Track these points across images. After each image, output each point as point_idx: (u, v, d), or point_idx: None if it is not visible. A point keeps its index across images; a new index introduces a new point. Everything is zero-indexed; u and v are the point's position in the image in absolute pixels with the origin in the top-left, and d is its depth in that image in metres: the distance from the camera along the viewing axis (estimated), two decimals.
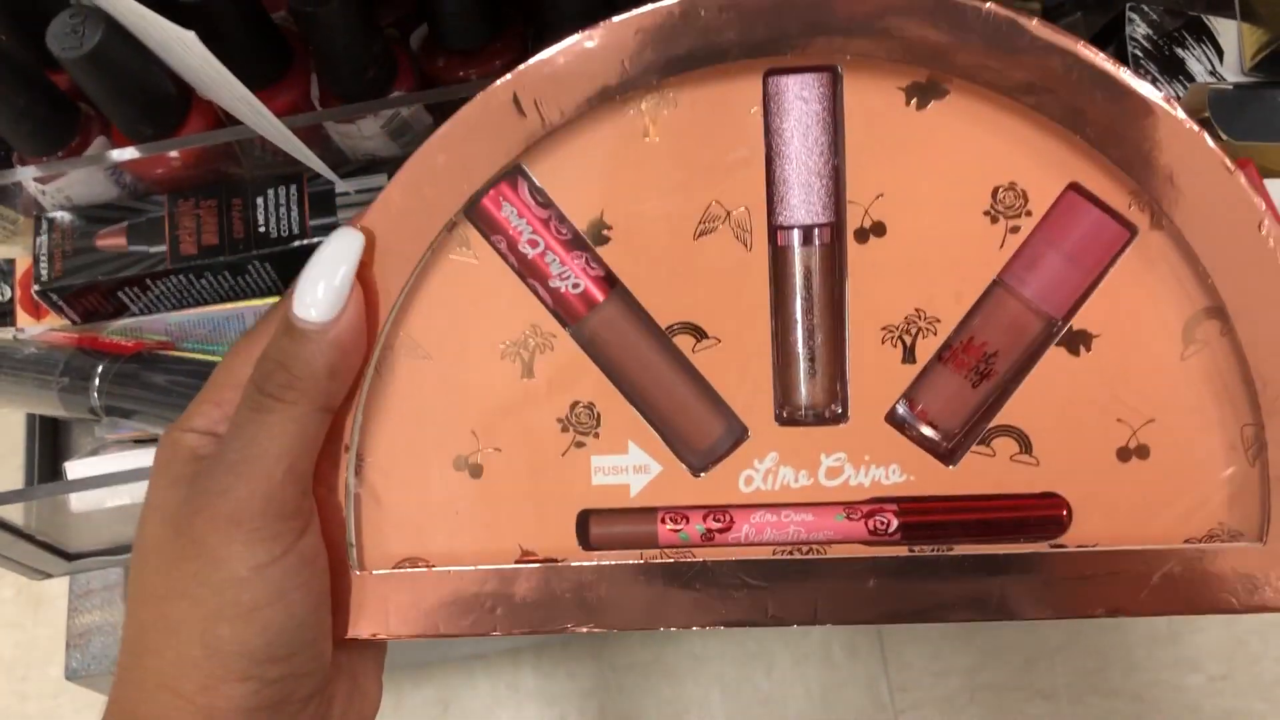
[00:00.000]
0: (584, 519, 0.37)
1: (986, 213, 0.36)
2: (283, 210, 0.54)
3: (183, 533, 0.33)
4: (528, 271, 0.37)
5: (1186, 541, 0.35)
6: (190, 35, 0.41)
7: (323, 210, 0.55)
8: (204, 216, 0.54)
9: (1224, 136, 0.48)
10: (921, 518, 0.37)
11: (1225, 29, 0.55)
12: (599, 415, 0.37)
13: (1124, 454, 0.36)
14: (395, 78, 0.54)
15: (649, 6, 0.34)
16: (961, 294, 0.36)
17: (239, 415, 0.34)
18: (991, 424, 0.36)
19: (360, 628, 0.38)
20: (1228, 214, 0.34)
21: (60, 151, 0.53)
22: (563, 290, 0.37)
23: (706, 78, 0.35)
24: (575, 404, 0.37)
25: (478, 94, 0.35)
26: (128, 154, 0.52)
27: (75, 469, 0.56)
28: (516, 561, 0.37)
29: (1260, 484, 0.35)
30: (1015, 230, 0.36)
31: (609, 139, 0.36)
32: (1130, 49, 0.54)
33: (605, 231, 0.36)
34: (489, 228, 0.37)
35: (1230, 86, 0.54)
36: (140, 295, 0.56)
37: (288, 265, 0.55)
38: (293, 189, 0.55)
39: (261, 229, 0.54)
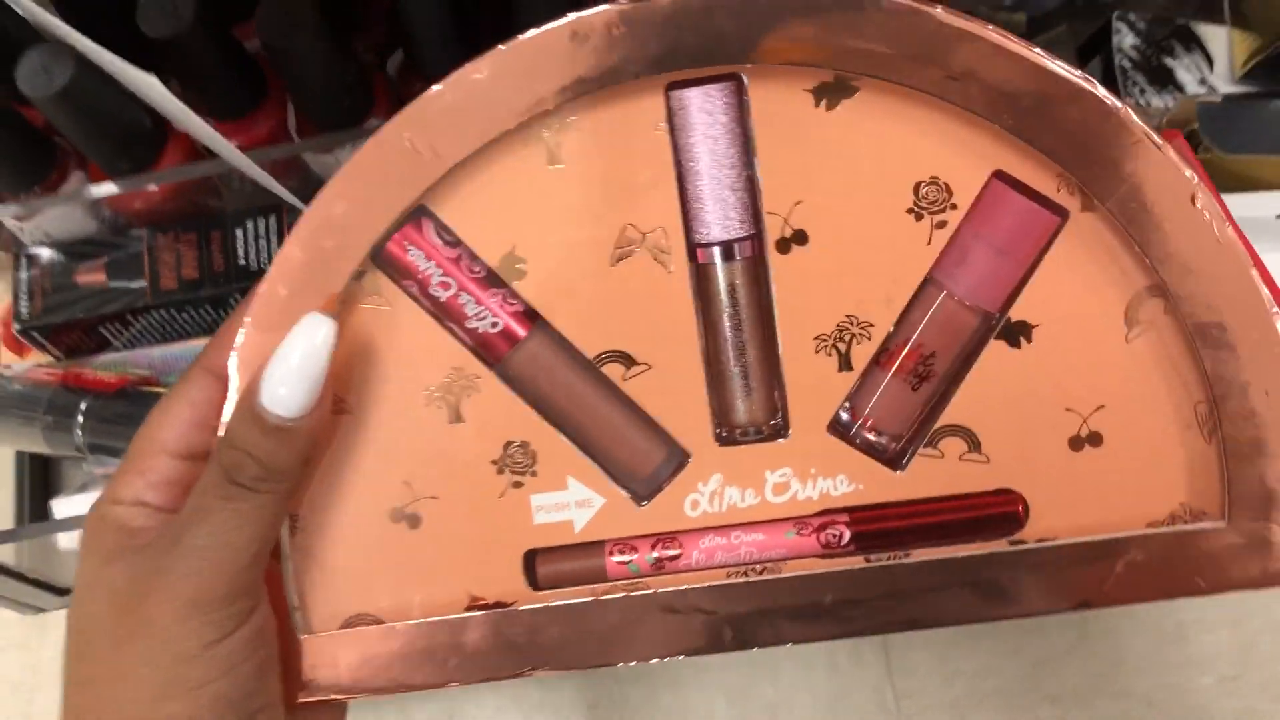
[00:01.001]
0: (530, 559, 0.37)
1: (910, 210, 0.35)
2: (262, 242, 0.55)
3: (131, 612, 0.33)
4: (444, 314, 0.36)
5: (1149, 526, 0.35)
6: (152, 79, 0.41)
7: None
8: (184, 250, 0.55)
9: (1217, 151, 0.46)
10: (874, 525, 0.37)
11: (1215, 36, 0.54)
12: (534, 453, 0.37)
13: (1076, 443, 0.36)
14: (373, 105, 0.54)
15: (535, 31, 0.33)
16: (892, 296, 0.36)
17: (205, 499, 0.34)
18: (937, 425, 0.36)
19: (312, 690, 0.37)
20: (1160, 189, 0.33)
21: (37, 187, 0.54)
22: (481, 330, 0.37)
23: (607, 99, 0.35)
24: (509, 444, 0.37)
25: (368, 138, 0.34)
26: (105, 189, 0.52)
27: (62, 507, 0.56)
28: (466, 609, 0.37)
29: (1218, 460, 0.35)
30: (942, 225, 0.35)
31: (513, 170, 0.35)
32: (1117, 60, 0.52)
33: (519, 265, 0.36)
34: (398, 273, 0.36)
35: (1220, 98, 0.53)
36: (122, 330, 0.57)
37: None
38: (272, 220, 0.55)
39: (241, 262, 0.55)
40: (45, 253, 0.56)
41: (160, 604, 0.33)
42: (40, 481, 0.62)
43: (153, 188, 0.52)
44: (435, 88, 0.34)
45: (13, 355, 0.59)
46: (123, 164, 0.52)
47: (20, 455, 0.60)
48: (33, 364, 0.58)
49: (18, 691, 0.69)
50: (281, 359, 0.33)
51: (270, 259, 0.51)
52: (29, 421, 0.54)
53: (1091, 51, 0.54)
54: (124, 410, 0.55)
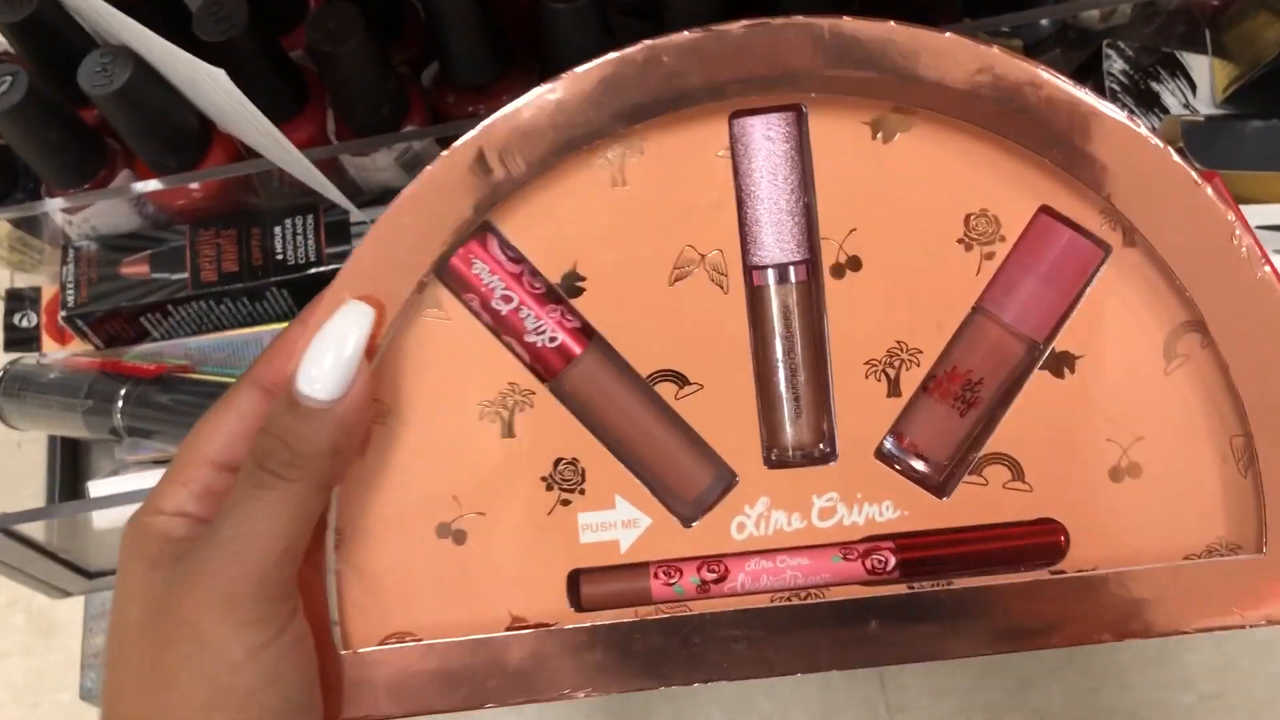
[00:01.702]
0: (574, 579, 0.37)
1: (960, 240, 0.36)
2: (299, 239, 0.57)
3: (169, 615, 0.33)
4: (502, 328, 0.37)
5: (1186, 558, 0.36)
6: (220, 73, 0.43)
7: (338, 239, 0.58)
8: (224, 245, 0.57)
9: (1197, 165, 0.49)
10: (919, 553, 0.37)
11: (1198, 64, 0.58)
12: (583, 471, 0.37)
13: (1116, 474, 0.36)
14: (408, 113, 0.56)
15: (611, 55, 0.35)
16: (942, 323, 0.36)
17: (236, 493, 0.33)
18: (981, 452, 0.36)
19: (351, 709, 0.37)
20: (1199, 227, 0.34)
21: (87, 184, 0.56)
22: (539, 345, 0.37)
23: (672, 123, 0.35)
24: (559, 461, 0.37)
25: (441, 154, 0.36)
26: (151, 186, 0.54)
27: (97, 488, 0.57)
28: (507, 629, 0.37)
29: (1254, 494, 0.35)
30: (990, 256, 0.36)
31: (578, 190, 0.36)
32: (1108, 83, 0.55)
33: (579, 283, 0.36)
34: (460, 286, 0.37)
35: (1202, 118, 0.56)
36: (162, 320, 0.59)
37: (303, 291, 0.58)
38: (309, 219, 0.58)
39: (279, 256, 0.57)
40: (91, 245, 0.58)
41: (196, 603, 0.32)
42: (70, 467, 0.63)
43: (196, 186, 0.55)
44: (510, 106, 0.35)
45: (54, 344, 0.62)
46: (169, 162, 0.55)
47: (53, 441, 0.62)
48: (69, 353, 0.60)
49: (21, 697, 0.68)
50: (317, 342, 0.33)
51: (306, 255, 0.57)
52: (69, 407, 0.56)
53: (1083, 76, 0.57)
54: (163, 395, 0.57)
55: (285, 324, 0.54)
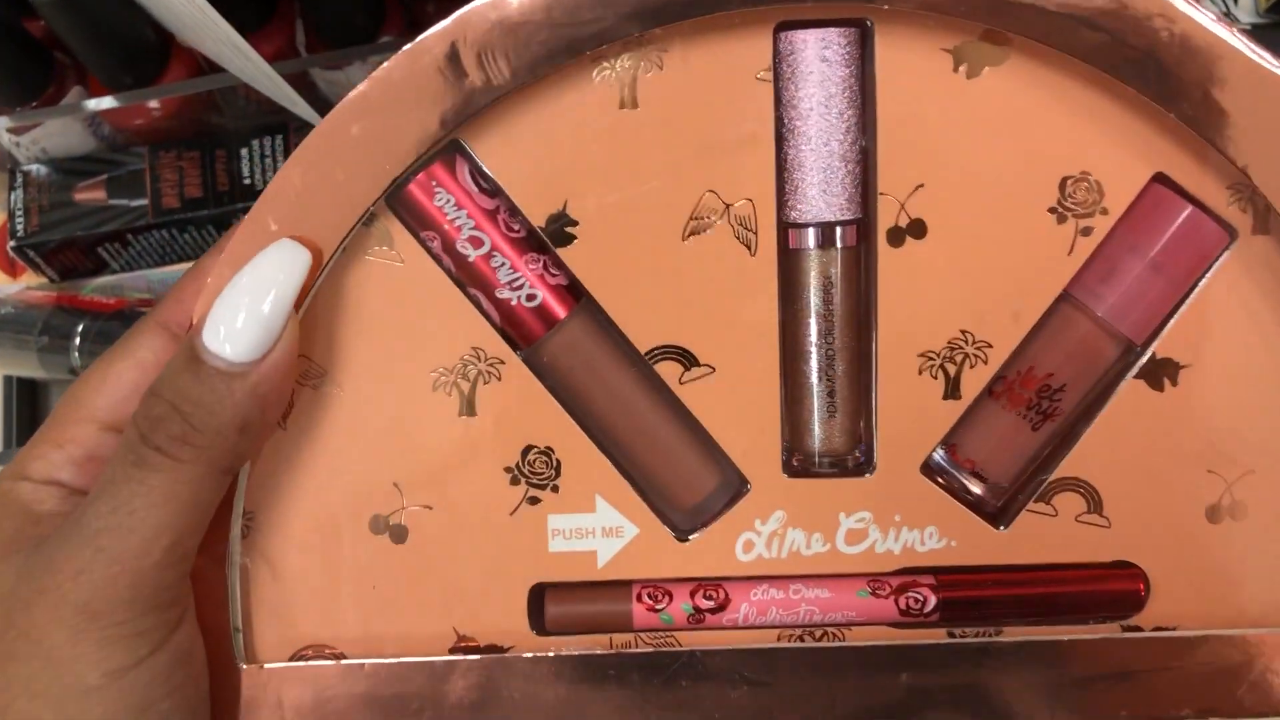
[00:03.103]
0: (538, 595, 0.33)
1: (1052, 210, 0.31)
2: (268, 161, 0.55)
3: (14, 623, 0.27)
4: (469, 278, 0.31)
5: None
6: None
7: None
8: (186, 168, 0.55)
9: None
10: (965, 593, 0.32)
11: None
12: (558, 463, 0.32)
13: (1215, 513, 0.32)
14: (384, 22, 0.52)
15: None
16: (1020, 312, 0.31)
17: (111, 470, 0.28)
18: (1052, 476, 0.32)
19: None
20: None
21: (34, 101, 0.53)
22: (514, 303, 0.31)
23: (702, 31, 0.30)
24: (529, 449, 0.32)
25: (380, 56, 0.28)
26: (105, 103, 0.52)
27: None
28: (451, 650, 0.32)
29: None
30: (1087, 232, 0.31)
31: (575, 108, 0.30)
32: None
33: (569, 228, 0.31)
34: (418, 221, 0.31)
35: (1247, 27, 0.53)
36: (121, 251, 0.57)
37: None
38: (278, 139, 0.55)
39: (246, 180, 0.55)
40: (42, 169, 0.56)
41: (48, 611, 0.27)
42: (28, 409, 0.61)
43: (154, 103, 0.52)
44: None
45: (5, 277, 0.60)
46: (124, 78, 0.52)
47: (8, 382, 0.60)
48: (23, 286, 0.58)
49: None
50: (237, 288, 0.28)
51: None
52: (23, 344, 0.54)
53: None
54: (121, 331, 0.53)
55: None
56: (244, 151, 0.55)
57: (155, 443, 0.27)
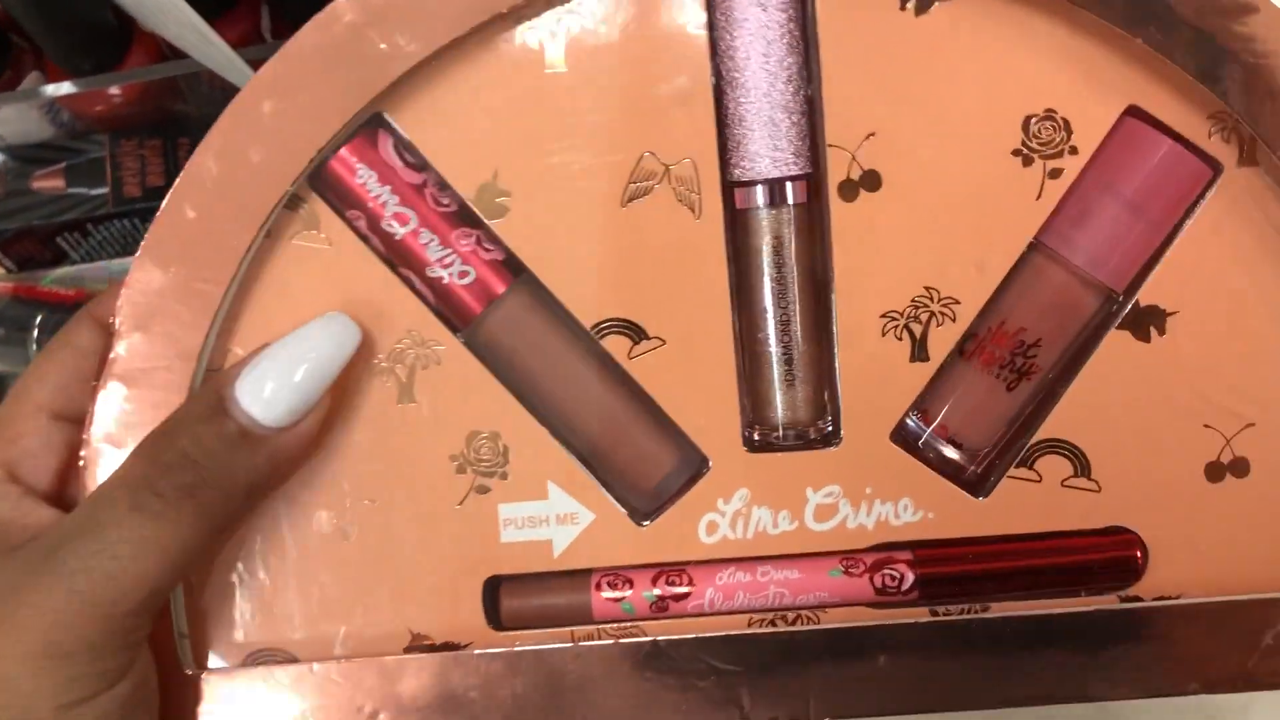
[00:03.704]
0: (493, 589, 0.31)
1: (1017, 151, 0.29)
2: None
3: None
4: (399, 258, 0.30)
5: None
6: None
7: None
8: (148, 156, 0.54)
9: None
10: (945, 568, 0.31)
11: None
12: (506, 449, 0.31)
13: (1215, 471, 0.30)
14: None
15: None
16: (987, 263, 0.30)
17: (99, 506, 0.27)
18: (1034, 438, 0.30)
19: None
20: None
21: None
22: (446, 282, 0.30)
23: None
24: (474, 435, 0.31)
25: (313, 16, 0.27)
26: (64, 89, 0.50)
27: None
28: (405, 650, 0.31)
29: None
30: (1056, 174, 0.29)
31: (499, 72, 0.29)
32: None
33: (501, 199, 0.30)
34: (342, 200, 0.30)
35: None
36: (81, 241, 0.55)
37: None
38: None
39: None
40: None
41: (11, 644, 0.25)
42: None
43: (115, 89, 0.51)
44: None
45: None
46: (84, 63, 0.50)
47: None
48: None
49: None
50: (280, 350, 0.28)
51: None
52: None
53: None
54: None
55: None
56: None
57: (159, 490, 0.26)
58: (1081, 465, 0.30)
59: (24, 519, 0.28)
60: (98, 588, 0.25)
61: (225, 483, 0.27)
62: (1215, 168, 0.28)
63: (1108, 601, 0.30)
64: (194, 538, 0.27)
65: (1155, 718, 0.43)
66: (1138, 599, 0.30)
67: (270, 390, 0.27)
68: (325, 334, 0.28)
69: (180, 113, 0.53)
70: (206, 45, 0.43)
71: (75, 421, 0.29)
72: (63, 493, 0.30)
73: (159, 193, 0.50)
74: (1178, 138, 0.28)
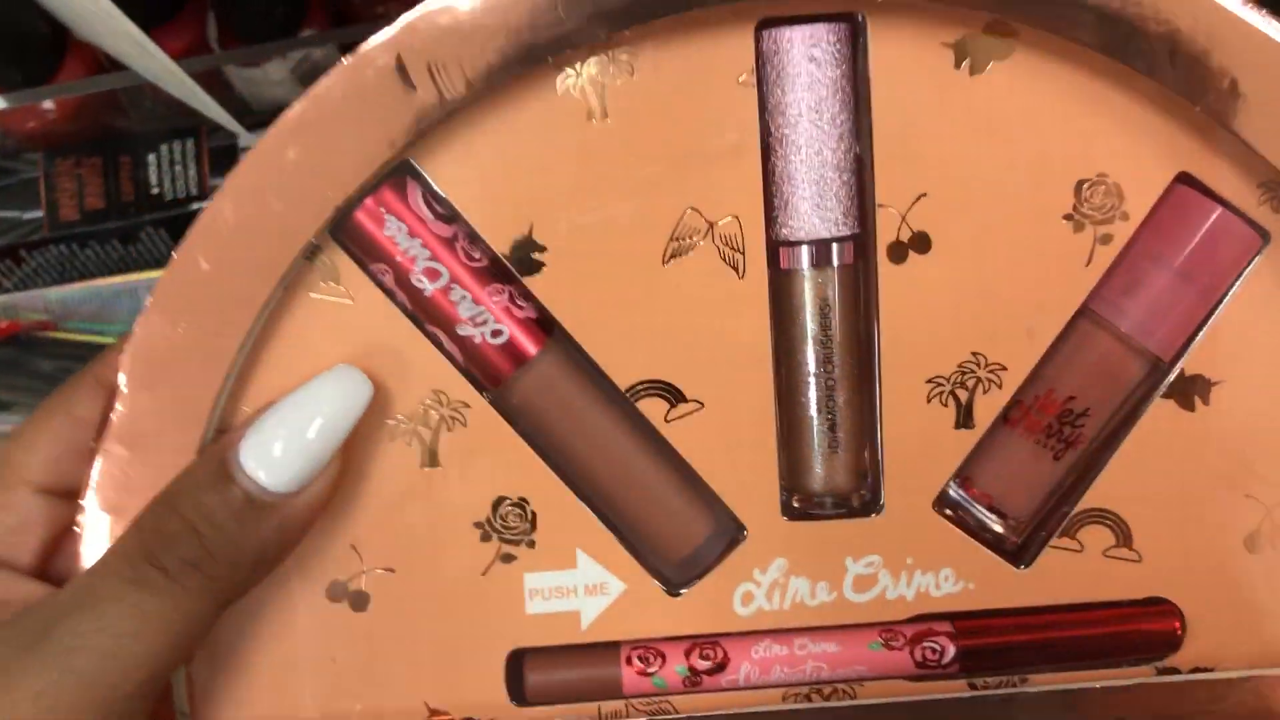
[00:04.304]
0: (517, 663, 0.30)
1: (1068, 217, 0.28)
2: (178, 168, 0.52)
3: None
4: (426, 315, 0.28)
5: None
6: None
7: (224, 168, 0.51)
8: (86, 176, 0.52)
9: None
10: (986, 640, 0.30)
11: None
12: (534, 516, 0.29)
13: (1254, 542, 0.30)
14: (306, 15, 0.50)
15: None
16: (1036, 329, 0.29)
17: (98, 580, 0.25)
18: (1077, 508, 0.30)
19: None
20: None
21: None
22: (477, 340, 0.28)
23: (676, 31, 0.27)
24: (500, 501, 0.29)
25: (342, 61, 0.25)
26: None
27: None
28: None
29: None
30: (1107, 240, 0.28)
31: (538, 122, 0.28)
32: None
33: (537, 255, 0.28)
34: (367, 253, 0.28)
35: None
36: (14, 268, 0.53)
37: (184, 230, 0.53)
38: (189, 144, 0.52)
39: (154, 190, 0.51)
40: None
41: None
42: None
43: (49, 104, 0.49)
44: None
45: None
46: (14, 75, 0.48)
47: None
48: None
49: None
50: (286, 410, 0.26)
51: (186, 188, 0.51)
52: None
53: None
54: (16, 358, 0.51)
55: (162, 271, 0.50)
56: (151, 157, 0.52)
57: (162, 563, 0.24)
58: (1123, 535, 0.29)
59: (6, 594, 0.26)
60: (96, 667, 0.24)
61: (232, 554, 0.25)
62: (1264, 236, 0.28)
63: (1145, 673, 0.30)
64: (199, 613, 0.25)
65: None
66: (1175, 670, 0.30)
67: (277, 452, 0.25)
68: (334, 390, 0.26)
69: (121, 129, 0.52)
70: (145, 56, 0.41)
71: (66, 496, 0.27)
72: (49, 568, 0.28)
73: (99, 216, 0.51)
74: (1227, 205, 0.28)
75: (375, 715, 0.29)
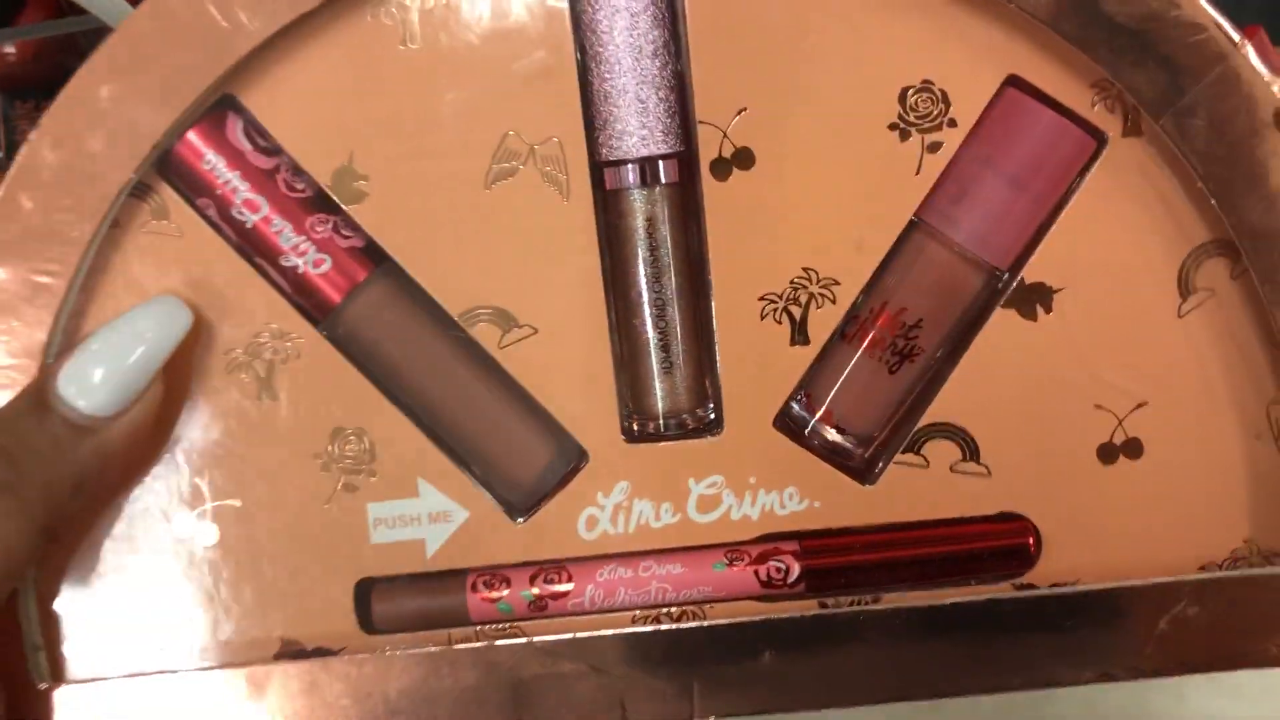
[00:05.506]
0: (364, 592, 0.31)
1: (894, 126, 0.28)
2: None
3: None
4: (252, 247, 0.29)
5: (1202, 569, 0.30)
6: None
7: None
8: None
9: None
10: (833, 559, 0.30)
11: None
12: (372, 446, 0.30)
13: (1107, 453, 0.30)
14: None
15: None
16: (865, 242, 0.29)
17: None
18: (921, 423, 0.30)
19: None
20: (1233, 107, 0.27)
21: None
22: (301, 270, 0.29)
23: None
24: (338, 432, 0.30)
25: None
26: None
27: None
28: (275, 656, 0.30)
29: None
30: (935, 148, 0.28)
31: (353, 49, 0.28)
32: None
33: (359, 183, 0.29)
34: (191, 187, 0.29)
35: None
36: None
37: None
38: None
39: None
40: None
41: None
42: None
43: (9, 47, 0.49)
44: None
45: None
46: None
47: None
48: None
49: None
50: (103, 338, 0.26)
51: None
52: None
53: None
54: None
55: None
56: None
57: None
58: (970, 449, 0.29)
59: None
60: None
61: (47, 477, 0.26)
62: (1100, 138, 0.28)
63: (1001, 589, 0.30)
64: (16, 536, 0.25)
65: (1084, 700, 0.43)
66: (1031, 586, 0.30)
67: (95, 379, 0.26)
68: (152, 317, 0.27)
69: None
70: (108, 1, 0.41)
71: None
72: None
73: None
74: (1059, 108, 0.28)
75: (227, 645, 0.30)
